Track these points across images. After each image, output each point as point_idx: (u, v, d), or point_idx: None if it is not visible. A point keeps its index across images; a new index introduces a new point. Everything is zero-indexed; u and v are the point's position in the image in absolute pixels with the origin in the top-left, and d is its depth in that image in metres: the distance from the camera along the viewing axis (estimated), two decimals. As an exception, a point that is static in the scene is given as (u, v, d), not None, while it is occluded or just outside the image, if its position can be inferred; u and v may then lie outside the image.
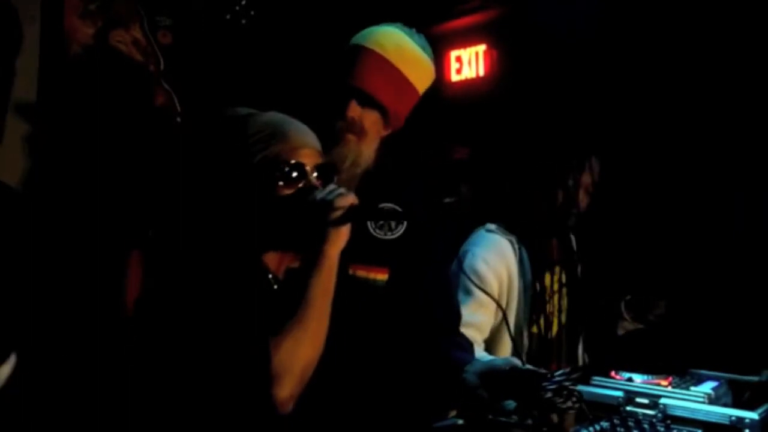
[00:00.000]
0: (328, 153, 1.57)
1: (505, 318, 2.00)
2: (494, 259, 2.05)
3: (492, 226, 2.12)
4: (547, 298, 2.16)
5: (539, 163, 2.16)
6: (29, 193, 1.61)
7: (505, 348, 2.07)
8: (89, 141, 1.71)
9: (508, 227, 2.12)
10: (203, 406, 1.20)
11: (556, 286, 2.19)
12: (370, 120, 1.69)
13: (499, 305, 2.01)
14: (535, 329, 2.13)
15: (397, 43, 1.72)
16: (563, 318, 2.20)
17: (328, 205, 1.31)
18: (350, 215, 1.32)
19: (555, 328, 2.19)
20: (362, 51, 1.70)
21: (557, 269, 2.21)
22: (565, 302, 2.20)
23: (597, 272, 2.30)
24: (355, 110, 1.67)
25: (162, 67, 2.02)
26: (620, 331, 2.33)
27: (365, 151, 1.69)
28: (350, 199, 1.33)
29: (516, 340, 2.04)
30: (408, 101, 1.76)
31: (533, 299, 2.10)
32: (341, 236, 1.33)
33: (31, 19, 1.65)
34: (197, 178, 1.39)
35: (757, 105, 2.78)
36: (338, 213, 1.31)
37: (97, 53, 1.80)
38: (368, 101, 1.68)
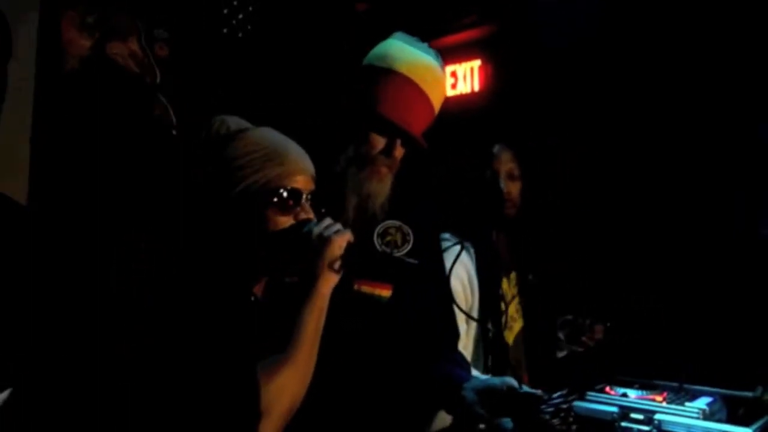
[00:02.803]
0: (364, 186, 1.60)
1: (482, 323, 2.02)
2: (455, 267, 2.05)
3: (446, 235, 2.11)
4: (505, 304, 2.17)
5: (455, 163, 2.26)
6: (26, 206, 1.61)
7: (467, 356, 2.07)
8: (86, 153, 1.71)
9: (461, 233, 2.10)
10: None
11: (514, 291, 2.21)
12: (401, 153, 1.68)
13: (466, 314, 2.00)
14: (497, 336, 2.14)
15: (434, 77, 1.69)
16: (520, 325, 2.20)
17: (325, 241, 1.27)
18: (348, 254, 1.28)
19: (512, 336, 2.19)
20: (408, 84, 1.65)
21: (513, 275, 2.22)
22: (521, 309, 2.21)
23: (557, 280, 2.31)
24: (400, 151, 1.66)
25: (158, 79, 2.02)
26: (559, 353, 2.32)
27: (390, 181, 1.68)
28: (347, 236, 1.29)
29: (479, 348, 2.05)
30: (427, 127, 1.74)
31: (490, 305, 2.11)
32: (336, 274, 1.29)
33: (29, 29, 1.65)
34: (188, 196, 1.34)
35: (757, 105, 2.80)
36: (336, 251, 1.27)
37: (94, 65, 1.80)
38: (407, 139, 1.66)
